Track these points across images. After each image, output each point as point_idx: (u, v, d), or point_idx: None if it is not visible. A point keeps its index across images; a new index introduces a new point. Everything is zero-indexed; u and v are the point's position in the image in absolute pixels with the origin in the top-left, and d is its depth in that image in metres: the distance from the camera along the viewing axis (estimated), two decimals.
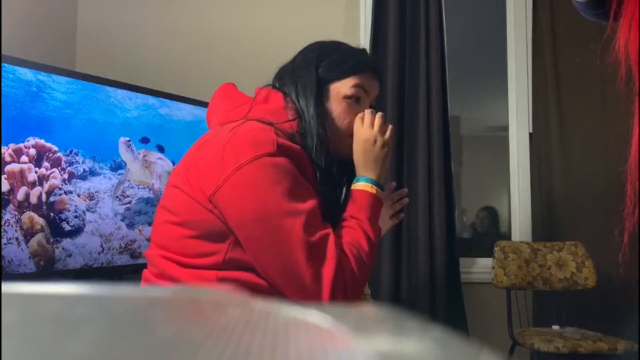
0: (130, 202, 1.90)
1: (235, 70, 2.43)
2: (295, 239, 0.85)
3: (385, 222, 1.16)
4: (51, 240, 1.66)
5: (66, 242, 1.70)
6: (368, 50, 1.21)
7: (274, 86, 1.06)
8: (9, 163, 1.56)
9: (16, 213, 1.58)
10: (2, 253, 1.52)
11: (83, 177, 1.76)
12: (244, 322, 0.21)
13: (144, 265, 0.99)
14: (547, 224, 2.47)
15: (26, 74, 1.62)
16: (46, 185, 1.66)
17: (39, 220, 1.63)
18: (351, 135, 1.03)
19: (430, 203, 2.36)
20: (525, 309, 2.39)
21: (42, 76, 1.66)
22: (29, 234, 1.60)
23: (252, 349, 0.18)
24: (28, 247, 1.59)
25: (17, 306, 0.21)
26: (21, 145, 1.60)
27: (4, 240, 1.53)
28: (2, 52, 1.62)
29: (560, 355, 1.92)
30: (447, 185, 2.39)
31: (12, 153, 1.57)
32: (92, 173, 1.79)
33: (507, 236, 2.66)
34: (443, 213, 2.34)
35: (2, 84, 1.55)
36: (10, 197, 1.56)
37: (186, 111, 2.09)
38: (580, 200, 2.43)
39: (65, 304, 0.22)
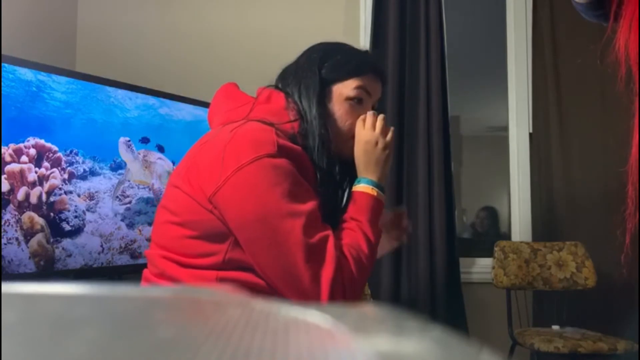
0: (130, 202, 1.90)
1: (236, 70, 2.43)
2: (295, 240, 0.85)
3: (383, 246, 1.13)
4: (51, 240, 1.66)
5: (66, 242, 1.70)
6: (369, 51, 1.21)
7: (276, 87, 1.06)
8: (9, 163, 1.56)
9: (16, 213, 1.58)
10: (2, 253, 1.52)
11: (83, 177, 1.76)
12: (244, 322, 0.21)
13: (144, 265, 0.99)
14: (547, 224, 2.47)
15: (26, 74, 1.62)
16: (46, 185, 1.66)
17: (39, 220, 1.63)
18: (353, 136, 1.03)
19: (430, 203, 2.35)
20: (525, 309, 2.39)
21: (42, 76, 1.66)
22: (29, 234, 1.60)
23: (252, 349, 0.18)
24: (28, 247, 1.59)
25: (17, 306, 0.21)
26: (21, 145, 1.60)
27: (4, 240, 1.53)
28: (2, 52, 1.62)
29: (560, 355, 1.92)
30: (447, 185, 2.39)
31: (12, 153, 1.57)
32: (92, 173, 1.79)
33: (507, 236, 2.66)
34: (443, 213, 2.34)
35: (2, 84, 1.55)
36: (10, 197, 1.56)
37: (186, 111, 2.09)
38: (580, 200, 2.43)
39: (65, 304, 0.22)
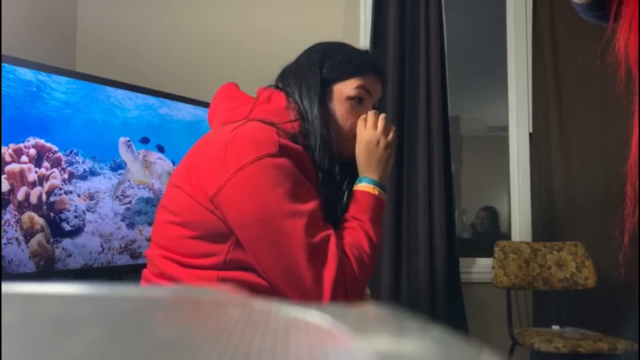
0: (130, 202, 1.90)
1: (236, 70, 2.43)
2: (297, 240, 0.85)
3: None
4: (51, 240, 1.66)
5: (66, 242, 1.70)
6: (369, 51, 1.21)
7: (276, 86, 1.06)
8: (9, 163, 1.56)
9: (16, 213, 1.58)
10: (2, 253, 1.52)
11: (83, 177, 1.76)
12: (244, 322, 0.21)
13: (144, 265, 0.99)
14: (547, 224, 2.47)
15: (26, 74, 1.62)
16: (46, 185, 1.66)
17: (39, 220, 1.63)
18: (354, 136, 1.03)
19: (430, 203, 2.35)
20: (525, 309, 2.39)
21: (42, 76, 1.66)
22: (29, 234, 1.60)
23: (252, 349, 0.18)
24: (28, 247, 1.59)
25: (17, 306, 0.21)
26: (21, 145, 1.60)
27: (4, 240, 1.53)
28: (2, 52, 1.62)
29: (560, 355, 1.92)
30: (447, 185, 2.39)
31: (12, 153, 1.57)
32: (92, 173, 1.79)
33: (507, 236, 2.66)
34: (443, 213, 2.34)
35: (2, 84, 1.55)
36: (10, 197, 1.56)
37: (186, 111, 2.09)
38: (580, 200, 2.43)
39: (65, 304, 0.22)
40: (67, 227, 1.70)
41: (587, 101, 2.47)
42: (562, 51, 2.49)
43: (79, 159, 1.76)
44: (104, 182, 1.82)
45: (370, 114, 1.03)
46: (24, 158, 1.60)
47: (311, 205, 0.88)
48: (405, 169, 2.39)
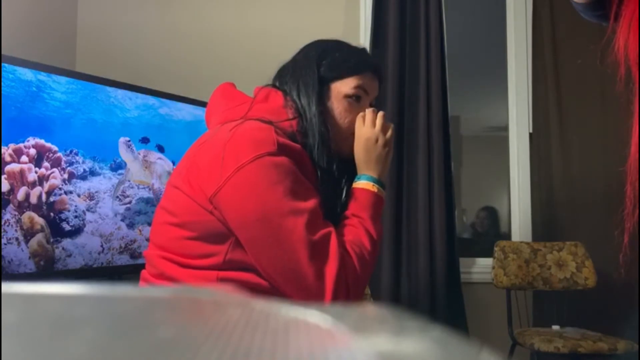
0: (130, 202, 1.90)
1: (235, 70, 2.43)
2: (297, 238, 0.85)
3: None
4: (51, 240, 1.66)
5: (66, 242, 1.70)
6: (368, 50, 1.21)
7: (274, 85, 1.06)
8: (9, 163, 1.56)
9: (16, 213, 1.58)
10: (2, 253, 1.52)
11: (83, 177, 1.76)
12: (244, 322, 0.21)
13: (144, 266, 0.99)
14: (547, 224, 2.47)
15: (26, 74, 1.62)
16: (46, 185, 1.66)
17: (39, 220, 1.63)
18: (352, 134, 1.03)
19: (430, 203, 2.35)
20: (525, 309, 2.39)
21: (42, 76, 1.66)
22: (29, 234, 1.60)
23: (252, 349, 0.18)
24: (28, 247, 1.59)
25: (17, 306, 0.21)
26: (21, 145, 1.60)
27: (4, 240, 1.53)
28: (2, 52, 1.62)
29: (560, 355, 1.92)
30: (447, 186, 2.39)
31: (12, 153, 1.57)
32: (92, 173, 1.79)
33: (507, 236, 2.66)
34: (443, 213, 2.34)
35: (2, 84, 1.55)
36: (10, 197, 1.56)
37: (186, 111, 2.09)
38: (580, 200, 2.43)
39: (65, 304, 0.22)
40: (67, 227, 1.70)
41: (587, 101, 2.47)
42: (562, 51, 2.49)
43: (79, 159, 1.76)
44: (104, 182, 1.82)
45: (369, 112, 1.03)
46: (24, 158, 1.60)
47: (311, 203, 0.88)
48: (405, 169, 2.39)
